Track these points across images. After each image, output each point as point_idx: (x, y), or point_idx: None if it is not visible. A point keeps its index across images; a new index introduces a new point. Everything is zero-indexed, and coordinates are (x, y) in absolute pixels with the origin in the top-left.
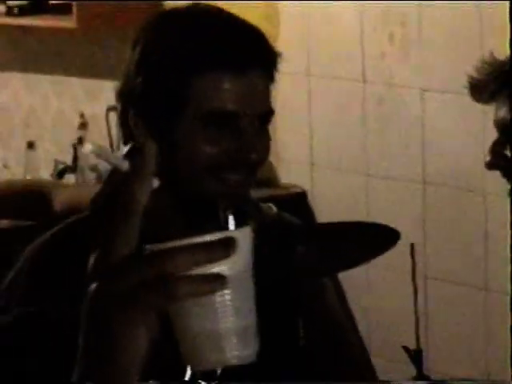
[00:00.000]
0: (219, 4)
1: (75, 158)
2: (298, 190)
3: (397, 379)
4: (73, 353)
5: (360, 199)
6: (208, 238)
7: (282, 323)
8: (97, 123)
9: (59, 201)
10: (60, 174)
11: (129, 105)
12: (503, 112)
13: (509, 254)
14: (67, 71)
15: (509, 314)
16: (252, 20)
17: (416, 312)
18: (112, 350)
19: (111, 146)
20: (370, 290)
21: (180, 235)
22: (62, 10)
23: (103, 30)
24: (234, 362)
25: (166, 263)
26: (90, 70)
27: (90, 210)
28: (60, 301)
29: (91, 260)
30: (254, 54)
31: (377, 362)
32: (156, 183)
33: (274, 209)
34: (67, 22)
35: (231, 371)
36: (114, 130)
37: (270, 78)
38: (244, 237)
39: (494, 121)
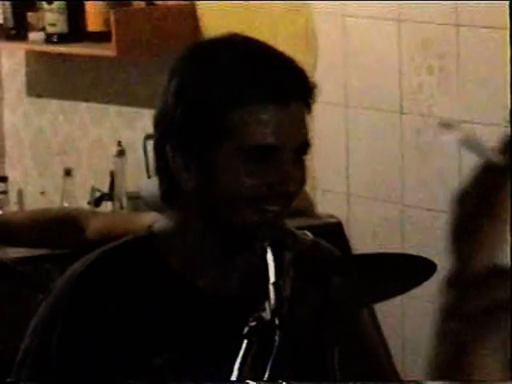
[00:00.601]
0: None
1: (112, 186)
2: (334, 220)
3: None
4: None
5: (396, 230)
6: None
7: (318, 354)
8: (134, 151)
9: (93, 228)
10: (97, 201)
11: (167, 137)
12: None
13: None
14: (105, 99)
15: None
16: (290, 49)
17: None
18: None
19: (148, 174)
20: (406, 321)
21: (217, 264)
22: (101, 38)
23: (142, 57)
24: None
25: None
26: (128, 97)
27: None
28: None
29: None
30: (292, 86)
31: None
32: None
33: (310, 235)
34: (106, 50)
35: None
36: (152, 159)
37: (308, 109)
38: None
39: None
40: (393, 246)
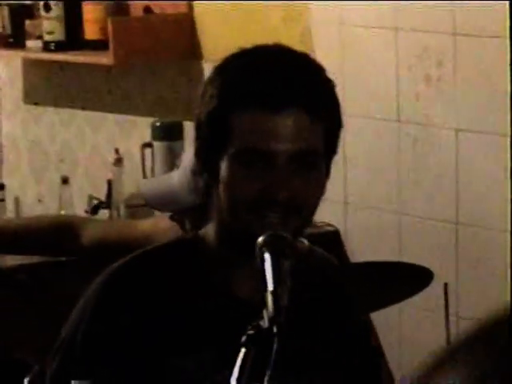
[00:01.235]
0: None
1: (109, 194)
2: (332, 229)
3: None
4: None
5: (393, 238)
6: None
7: (314, 361)
8: (131, 159)
9: (88, 236)
10: (94, 209)
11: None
12: None
13: None
14: (102, 107)
15: None
16: None
17: None
18: None
19: None
20: (403, 329)
21: (224, 271)
22: (99, 46)
23: (139, 66)
24: None
25: None
26: (125, 106)
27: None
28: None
29: None
30: (287, 93)
31: None
32: None
33: (306, 243)
34: (103, 58)
35: None
36: (149, 167)
37: (313, 117)
38: None
39: None
40: (390, 255)
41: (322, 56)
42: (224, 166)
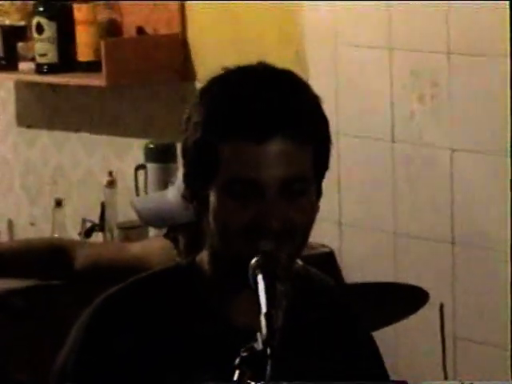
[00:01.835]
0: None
1: (103, 217)
2: (326, 250)
3: None
4: None
5: (388, 259)
6: None
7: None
8: (125, 181)
9: (81, 259)
10: (88, 232)
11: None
12: None
13: None
14: (96, 129)
15: None
16: None
17: (445, 373)
18: None
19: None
20: (398, 350)
21: (220, 298)
22: (91, 68)
23: (132, 88)
24: None
25: None
26: (119, 127)
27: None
28: None
29: None
30: (272, 122)
31: None
32: None
33: (300, 263)
34: (96, 80)
35: None
36: (142, 189)
37: (301, 141)
38: None
39: None
40: (385, 276)
41: (316, 75)
42: (213, 197)
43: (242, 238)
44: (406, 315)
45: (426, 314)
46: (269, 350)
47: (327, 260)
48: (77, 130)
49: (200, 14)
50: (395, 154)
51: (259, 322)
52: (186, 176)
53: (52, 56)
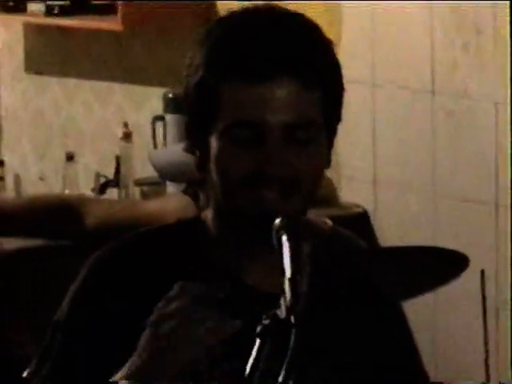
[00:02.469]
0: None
1: (118, 172)
2: (360, 210)
3: None
4: None
5: (427, 221)
6: None
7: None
8: (141, 134)
9: (92, 217)
10: (101, 188)
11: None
12: None
13: None
14: (110, 77)
15: None
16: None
17: (486, 343)
18: None
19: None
20: (438, 318)
21: (233, 255)
22: (106, 11)
23: (150, 32)
24: None
25: None
26: (135, 75)
27: None
28: None
29: None
30: (276, 60)
31: None
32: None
33: (330, 223)
34: (111, 24)
35: None
36: (160, 142)
37: (307, 84)
38: None
39: None
40: (423, 239)
41: (350, 22)
42: (214, 143)
43: (244, 187)
44: (445, 282)
45: (467, 281)
46: (293, 318)
47: (360, 221)
48: (90, 78)
49: None
50: (435, 107)
51: (273, 283)
52: (187, 125)
53: None
